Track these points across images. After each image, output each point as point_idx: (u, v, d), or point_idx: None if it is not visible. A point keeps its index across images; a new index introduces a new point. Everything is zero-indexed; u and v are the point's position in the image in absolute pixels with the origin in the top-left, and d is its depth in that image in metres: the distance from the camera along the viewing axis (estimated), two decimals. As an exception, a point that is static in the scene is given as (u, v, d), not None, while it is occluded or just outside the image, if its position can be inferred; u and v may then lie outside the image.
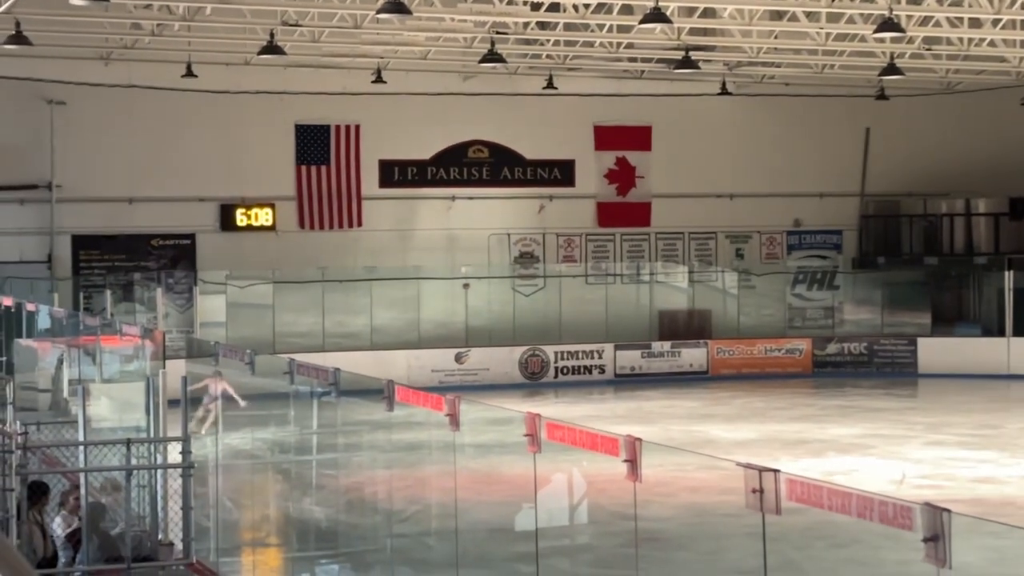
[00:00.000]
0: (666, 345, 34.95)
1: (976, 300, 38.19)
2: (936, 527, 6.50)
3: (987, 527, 15.15)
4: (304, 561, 15.78)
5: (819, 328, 37.33)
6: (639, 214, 37.18)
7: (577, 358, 34.13)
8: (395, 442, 22.51)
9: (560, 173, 36.63)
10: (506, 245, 36.34)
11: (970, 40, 30.10)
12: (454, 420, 10.53)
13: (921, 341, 35.32)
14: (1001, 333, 35.08)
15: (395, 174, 35.63)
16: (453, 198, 35.93)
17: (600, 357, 34.22)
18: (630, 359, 34.41)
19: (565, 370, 33.97)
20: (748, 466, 7.66)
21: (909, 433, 25.69)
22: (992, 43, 30.39)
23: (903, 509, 6.65)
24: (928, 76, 34.75)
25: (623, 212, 37.06)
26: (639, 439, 8.53)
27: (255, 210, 34.53)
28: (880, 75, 30.93)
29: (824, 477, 17.55)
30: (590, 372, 34.08)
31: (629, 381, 33.82)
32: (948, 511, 6.36)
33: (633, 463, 8.60)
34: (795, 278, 38.00)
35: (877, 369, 35.01)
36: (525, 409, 10.49)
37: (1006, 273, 35.02)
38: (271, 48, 27.16)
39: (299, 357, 14.52)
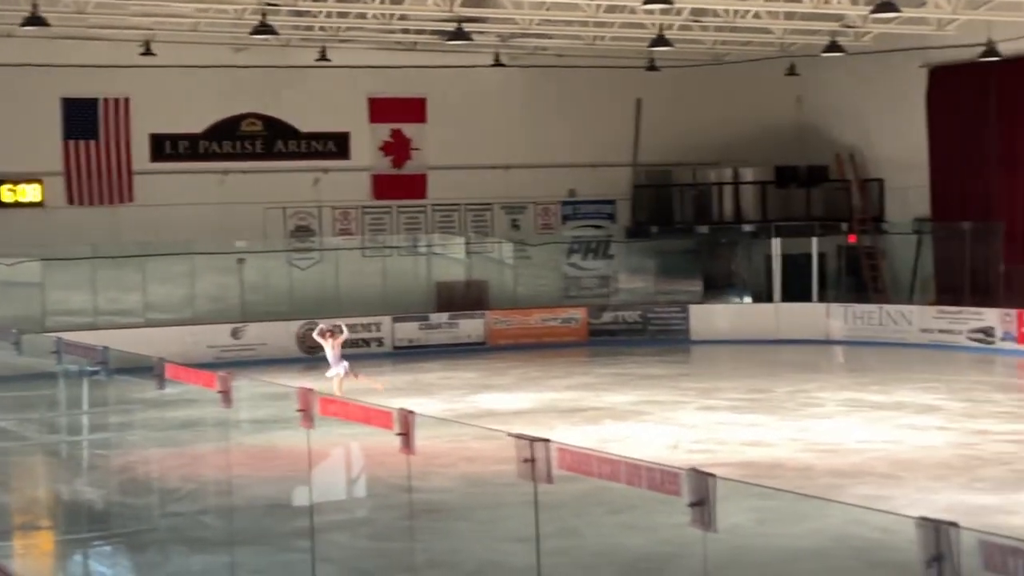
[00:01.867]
0: (444, 316, 35.06)
1: (745, 267, 39.07)
2: (702, 491, 6.65)
3: (756, 489, 15.53)
4: (77, 543, 15.46)
5: (594, 297, 37.83)
6: (415, 186, 37.18)
7: (355, 331, 34.00)
8: (168, 420, 22.22)
9: (335, 146, 36.43)
10: (281, 219, 36.02)
11: (736, 12, 30.71)
12: (226, 397, 10.44)
13: (693, 308, 36.03)
14: (769, 299, 35.98)
15: (167, 148, 35.05)
16: (227, 172, 35.48)
17: (378, 330, 34.19)
18: (408, 331, 34.44)
19: (343, 343, 33.77)
20: (519, 436, 7.74)
21: (682, 399, 26.14)
22: (757, 15, 31.04)
23: (670, 475, 6.78)
24: (696, 48, 35.35)
25: (399, 184, 37.02)
26: (412, 412, 8.56)
27: (22, 186, 33.65)
28: (650, 46, 31.32)
29: (600, 444, 17.79)
30: (368, 345, 34.01)
31: (407, 353, 33.85)
32: (713, 476, 6.50)
33: (407, 436, 8.63)
34: (570, 248, 38.43)
35: (651, 336, 35.60)
36: (303, 384, 10.44)
37: (773, 240, 35.88)
38: (35, 19, 26.43)
39: (71, 336, 14.24)
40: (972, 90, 34.82)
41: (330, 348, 25.12)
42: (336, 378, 24.73)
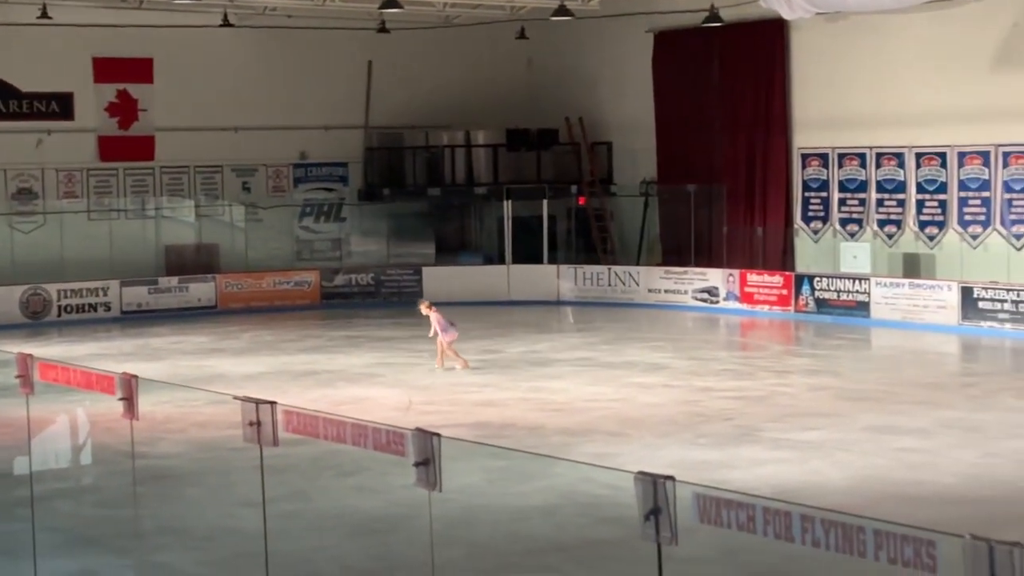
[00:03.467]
0: (173, 280, 34.52)
1: (477, 229, 39.36)
2: (427, 451, 6.68)
3: (486, 449, 15.70)
4: None
5: (327, 260, 37.68)
6: (143, 148, 36.43)
7: (81, 296, 33.28)
8: None
9: (58, 106, 35.44)
10: (2, 181, 34.95)
11: (466, -25, 30.79)
12: (-60, 364, 10.10)
13: (426, 270, 36.15)
14: (502, 261, 36.32)
15: None
16: (-57, 133, 34.30)
17: (105, 294, 33.48)
18: (136, 295, 33.82)
19: (69, 308, 33.07)
20: (245, 399, 7.67)
21: (416, 361, 26.23)
22: (487, -22, 31.20)
23: (396, 435, 6.79)
24: (427, 10, 35.36)
25: (126, 146, 36.22)
26: (135, 376, 8.40)
27: None
28: (380, 8, 31.22)
29: (334, 408, 17.76)
30: (95, 309, 33.30)
31: (136, 317, 33.25)
32: (438, 435, 6.53)
33: (130, 401, 8.47)
34: (302, 211, 38.17)
35: (384, 299, 35.63)
36: (27, 350, 10.17)
37: (505, 203, 36.21)
38: None
39: None
40: (696, 55, 35.62)
41: (434, 319, 25.09)
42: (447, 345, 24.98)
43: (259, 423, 7.60)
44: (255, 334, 30.67)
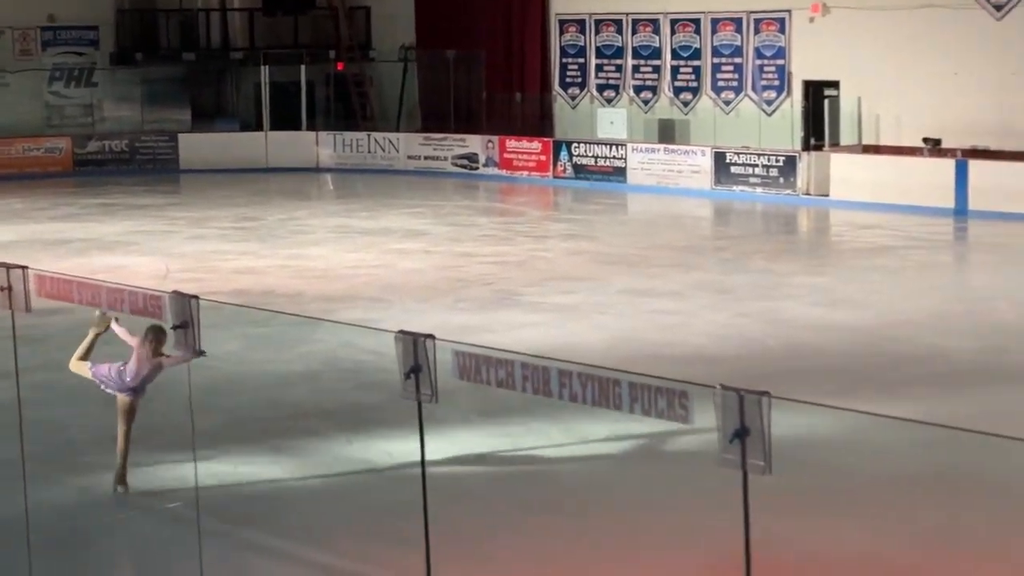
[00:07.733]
0: (-83, 148, 33.34)
1: (234, 95, 38.69)
2: (185, 314, 6.61)
3: (246, 313, 15.61)
4: None
5: (79, 126, 36.69)
6: None
7: None
8: None
9: None
10: None
11: None
12: None
13: (182, 137, 35.51)
14: (259, 127, 35.84)
15: None
16: None
17: None
18: None
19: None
20: (-5, 264, 7.48)
21: (172, 228, 25.87)
22: None
23: (152, 299, 6.69)
24: None
25: None
26: None
27: None
28: None
29: (88, 275, 17.42)
30: None
31: None
32: (196, 297, 6.46)
33: None
34: (51, 75, 37.01)
35: (139, 166, 34.93)
36: None
37: (262, 68, 35.65)
38: None
39: None
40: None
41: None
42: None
43: (10, 288, 7.41)
44: (4, 202, 29.83)
